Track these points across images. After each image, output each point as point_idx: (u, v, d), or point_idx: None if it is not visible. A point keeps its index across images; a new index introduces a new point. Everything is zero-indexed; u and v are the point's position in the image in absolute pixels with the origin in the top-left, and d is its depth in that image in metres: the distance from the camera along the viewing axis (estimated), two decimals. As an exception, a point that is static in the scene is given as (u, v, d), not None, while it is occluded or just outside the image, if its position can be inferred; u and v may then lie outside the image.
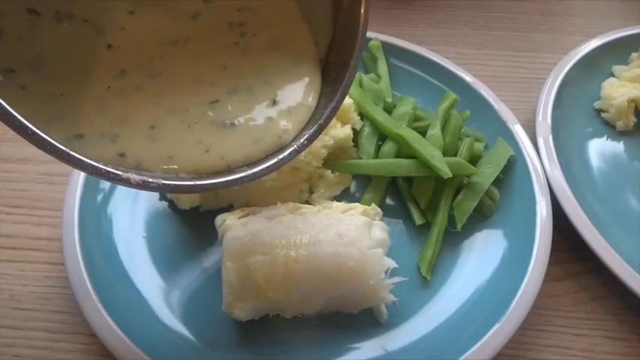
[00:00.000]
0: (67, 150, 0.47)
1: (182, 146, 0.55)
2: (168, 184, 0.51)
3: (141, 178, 0.49)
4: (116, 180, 0.48)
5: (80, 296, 0.76)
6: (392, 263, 0.78)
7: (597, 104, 1.11)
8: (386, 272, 0.78)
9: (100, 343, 0.72)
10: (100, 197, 0.89)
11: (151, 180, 0.49)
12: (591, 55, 1.15)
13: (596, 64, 1.15)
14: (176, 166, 0.53)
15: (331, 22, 0.65)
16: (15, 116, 0.44)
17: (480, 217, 0.91)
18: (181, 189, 0.53)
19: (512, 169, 0.95)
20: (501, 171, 0.93)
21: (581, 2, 1.46)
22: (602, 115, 1.10)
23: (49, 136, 0.46)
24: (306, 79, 0.62)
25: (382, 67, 1.10)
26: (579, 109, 1.09)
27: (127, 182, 0.49)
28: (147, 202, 0.92)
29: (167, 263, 0.84)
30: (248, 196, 0.89)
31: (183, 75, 0.59)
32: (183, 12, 0.63)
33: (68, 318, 0.82)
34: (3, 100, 0.43)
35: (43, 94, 0.53)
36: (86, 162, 0.48)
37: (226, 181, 0.54)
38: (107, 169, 0.48)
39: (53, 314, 0.82)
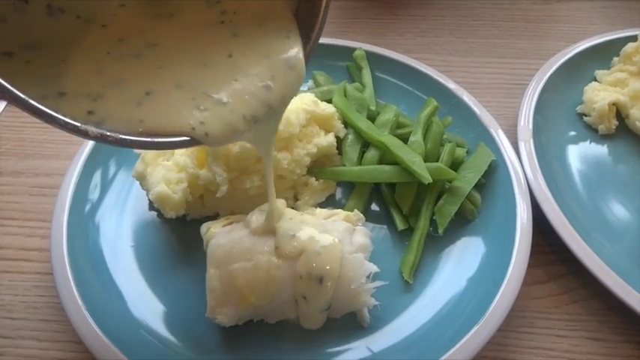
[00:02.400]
0: (24, 97, 0.48)
1: (169, 114, 0.56)
2: (126, 139, 0.52)
3: (99, 131, 0.51)
4: (74, 131, 0.50)
5: (67, 305, 0.77)
6: (373, 268, 0.79)
7: (580, 108, 1.12)
8: (368, 277, 0.79)
9: (87, 351, 0.74)
10: (88, 208, 0.91)
11: (108, 134, 0.51)
12: (574, 60, 1.17)
13: (578, 69, 1.17)
14: (141, 129, 0.54)
15: None
16: None
17: (462, 222, 0.93)
18: (138, 144, 0.53)
19: (494, 174, 0.96)
20: (483, 176, 0.94)
21: (566, 9, 1.48)
22: (585, 119, 1.11)
23: (22, 92, 0.47)
24: (295, 49, 0.63)
25: (366, 75, 1.12)
26: (562, 114, 1.11)
27: (85, 134, 0.50)
28: (134, 212, 0.94)
29: (154, 271, 0.86)
30: (233, 204, 0.91)
31: (182, 50, 0.62)
32: None
33: (57, 326, 0.83)
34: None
35: (45, 64, 0.56)
36: (43, 110, 0.48)
37: (181, 140, 0.55)
38: (65, 119, 0.50)
39: (42, 323, 0.84)
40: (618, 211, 0.96)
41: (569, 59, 1.16)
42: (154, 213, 0.94)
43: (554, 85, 1.11)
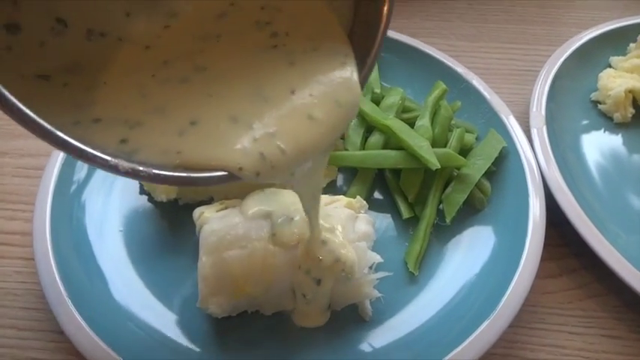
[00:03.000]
0: (50, 128, 0.42)
1: (216, 147, 0.49)
2: (160, 174, 0.46)
3: (130, 165, 0.45)
4: (103, 165, 0.45)
5: (49, 292, 0.72)
6: (376, 257, 0.75)
7: (594, 96, 1.07)
8: (370, 267, 0.74)
9: (69, 341, 0.69)
10: (73, 189, 0.86)
11: (141, 168, 0.45)
12: (588, 46, 1.11)
13: (592, 55, 1.12)
14: (178, 161, 0.48)
15: (351, 13, 0.59)
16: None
17: (471, 211, 0.87)
18: (173, 180, 0.47)
19: (505, 162, 0.91)
20: (493, 163, 0.89)
21: (578, -6, 1.43)
22: (599, 106, 1.06)
23: (48, 121, 0.42)
24: (352, 76, 0.55)
25: (371, 57, 1.06)
26: (575, 101, 1.06)
27: (115, 169, 0.45)
28: (123, 195, 0.88)
29: (142, 258, 0.81)
30: (227, 189, 0.85)
31: (234, 77, 0.55)
32: (208, 13, 0.59)
33: (38, 315, 0.78)
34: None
35: (84, 87, 0.51)
36: (70, 143, 0.43)
37: (219, 176, 0.48)
38: (94, 152, 0.44)
39: (22, 311, 0.79)
40: (636, 202, 0.91)
41: (583, 45, 1.11)
42: (145, 197, 0.89)
43: (567, 71, 1.06)
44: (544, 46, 1.25)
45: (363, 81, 0.55)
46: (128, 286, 0.77)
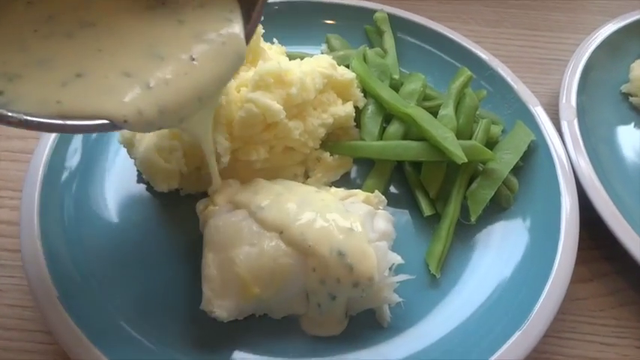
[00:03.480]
0: None
1: (101, 97, 0.52)
2: (32, 120, 0.47)
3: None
4: None
5: (36, 289, 0.66)
6: (397, 259, 0.68)
7: (625, 87, 1.01)
8: (390, 269, 0.68)
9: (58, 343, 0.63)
10: (65, 176, 0.79)
11: (9, 114, 0.46)
12: (617, 36, 1.05)
13: (622, 45, 1.05)
14: (57, 111, 0.50)
15: None
16: None
17: (496, 209, 0.81)
18: (47, 126, 0.49)
19: (533, 156, 0.85)
20: (520, 158, 0.83)
21: (602, -19, 1.35)
22: (631, 99, 0.99)
23: None
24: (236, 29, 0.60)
25: (389, 41, 0.99)
26: (605, 93, 0.99)
27: None
28: (120, 183, 0.81)
29: (140, 255, 0.74)
30: (234, 178, 0.78)
31: (124, 34, 0.57)
32: None
33: (24, 313, 0.72)
34: None
35: None
36: None
37: (100, 124, 0.51)
38: None
39: (7, 308, 0.73)
40: (674, 202, 0.85)
41: (612, 34, 1.04)
42: (143, 186, 0.81)
43: (597, 62, 1.00)
44: (568, 34, 1.18)
45: (249, 34, 0.60)
46: (124, 285, 0.71)
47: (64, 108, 0.49)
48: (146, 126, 0.53)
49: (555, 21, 1.22)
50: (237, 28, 0.59)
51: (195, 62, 0.55)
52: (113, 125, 0.50)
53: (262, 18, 0.77)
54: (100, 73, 0.52)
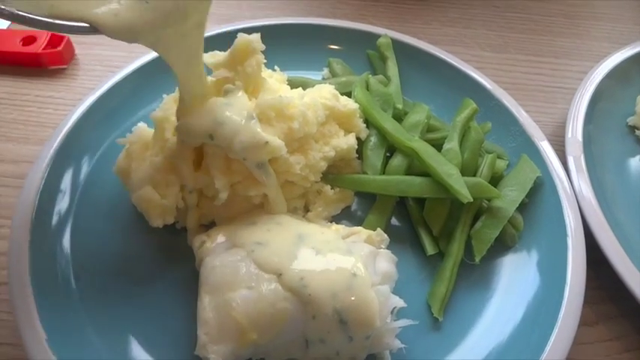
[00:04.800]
0: None
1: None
2: (23, 15, 0.50)
3: None
4: None
5: (24, 327, 0.63)
6: (399, 302, 0.66)
7: (631, 120, 0.99)
8: (391, 312, 0.65)
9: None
10: (58, 206, 0.76)
11: (2, 6, 0.48)
12: (625, 65, 1.03)
13: (630, 75, 1.03)
14: (48, 12, 0.52)
15: None
16: None
17: (500, 248, 0.79)
18: (37, 22, 0.51)
19: (539, 193, 0.83)
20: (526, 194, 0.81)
21: (607, 6, 1.34)
22: (637, 132, 0.98)
23: None
24: None
25: (392, 68, 0.97)
26: (612, 125, 0.98)
27: None
28: (115, 214, 0.79)
29: (134, 293, 0.71)
30: (232, 213, 0.76)
31: None
32: None
33: (12, 352, 0.69)
34: None
35: None
36: None
37: (83, 26, 0.54)
38: None
39: (-7, 346, 0.69)
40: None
41: (621, 63, 1.03)
42: (138, 216, 0.78)
43: (604, 92, 0.98)
44: (574, 61, 1.17)
45: None
46: (116, 327, 0.68)
47: (55, 11, 0.52)
48: (122, 31, 0.55)
49: (560, 47, 1.21)
50: None
51: None
52: (93, 28, 0.54)
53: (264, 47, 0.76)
54: None
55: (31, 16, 0.51)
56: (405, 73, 0.99)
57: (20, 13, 0.50)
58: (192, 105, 0.69)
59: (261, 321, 0.62)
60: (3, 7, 0.49)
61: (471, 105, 0.87)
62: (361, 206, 0.84)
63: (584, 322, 0.77)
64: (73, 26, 0.54)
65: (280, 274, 0.63)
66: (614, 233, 0.77)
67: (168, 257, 0.75)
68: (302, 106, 0.74)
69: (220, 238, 0.70)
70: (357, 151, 0.84)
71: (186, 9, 0.59)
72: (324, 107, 0.78)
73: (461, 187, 0.74)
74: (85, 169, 0.82)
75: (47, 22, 0.53)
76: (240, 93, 0.74)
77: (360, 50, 1.04)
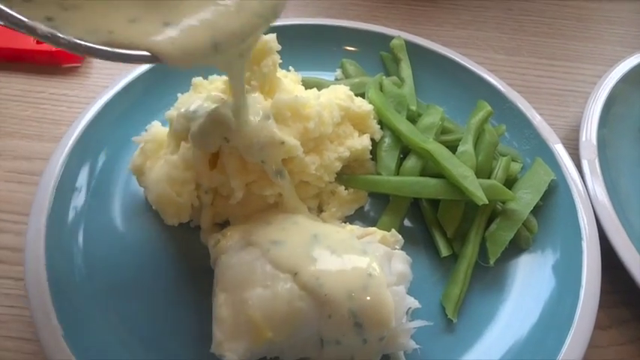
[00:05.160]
0: None
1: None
2: (80, 44, 0.48)
3: (49, 30, 0.46)
4: (18, 25, 0.45)
5: (40, 322, 0.64)
6: (414, 303, 0.66)
7: (645, 124, 0.99)
8: (406, 313, 0.65)
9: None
10: (75, 202, 0.77)
11: (61, 35, 0.47)
12: (639, 69, 1.03)
13: (643, 79, 1.03)
14: (107, 39, 0.49)
15: None
16: None
17: (514, 250, 0.79)
18: (94, 52, 0.49)
19: (553, 196, 0.82)
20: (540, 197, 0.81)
21: (620, 9, 1.34)
22: (651, 137, 0.98)
23: None
24: None
25: (406, 69, 0.97)
26: (625, 130, 0.97)
27: (32, 31, 0.45)
28: (130, 211, 0.79)
29: (149, 290, 0.72)
30: (247, 212, 0.76)
31: None
32: None
33: (26, 346, 0.69)
34: None
35: None
36: None
37: (143, 55, 0.51)
38: (9, 10, 0.44)
39: (9, 341, 0.70)
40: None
41: (635, 68, 1.02)
42: (152, 214, 0.79)
43: (618, 96, 0.97)
44: (587, 65, 1.16)
45: None
46: (131, 322, 0.68)
47: (114, 37, 0.50)
48: (183, 55, 0.52)
49: (574, 50, 1.20)
50: None
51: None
52: (154, 57, 0.51)
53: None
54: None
55: (91, 45, 0.48)
56: (419, 74, 0.99)
57: (79, 42, 0.48)
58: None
59: (277, 319, 0.62)
60: (61, 35, 0.47)
61: (486, 107, 0.86)
62: (375, 207, 0.84)
63: (597, 326, 0.76)
64: (133, 56, 0.51)
65: (296, 274, 0.63)
66: (630, 238, 0.77)
67: (183, 255, 0.76)
68: (318, 107, 0.74)
69: (236, 237, 0.70)
70: (371, 153, 0.84)
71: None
72: (339, 108, 0.79)
73: (476, 189, 0.74)
74: (99, 166, 0.82)
75: (101, 50, 0.49)
76: (257, 93, 0.75)
77: (374, 52, 1.04)
